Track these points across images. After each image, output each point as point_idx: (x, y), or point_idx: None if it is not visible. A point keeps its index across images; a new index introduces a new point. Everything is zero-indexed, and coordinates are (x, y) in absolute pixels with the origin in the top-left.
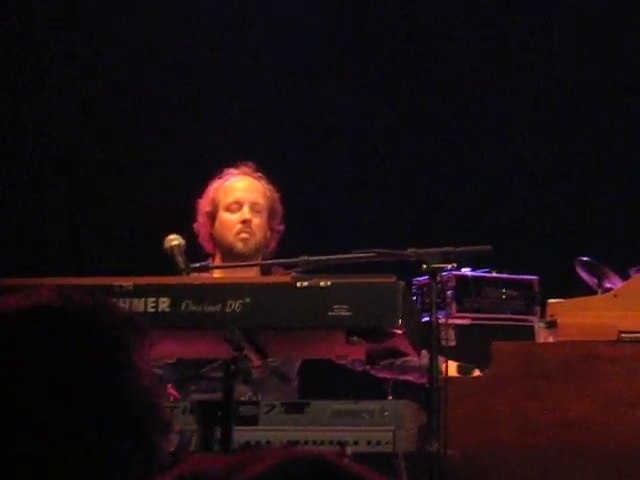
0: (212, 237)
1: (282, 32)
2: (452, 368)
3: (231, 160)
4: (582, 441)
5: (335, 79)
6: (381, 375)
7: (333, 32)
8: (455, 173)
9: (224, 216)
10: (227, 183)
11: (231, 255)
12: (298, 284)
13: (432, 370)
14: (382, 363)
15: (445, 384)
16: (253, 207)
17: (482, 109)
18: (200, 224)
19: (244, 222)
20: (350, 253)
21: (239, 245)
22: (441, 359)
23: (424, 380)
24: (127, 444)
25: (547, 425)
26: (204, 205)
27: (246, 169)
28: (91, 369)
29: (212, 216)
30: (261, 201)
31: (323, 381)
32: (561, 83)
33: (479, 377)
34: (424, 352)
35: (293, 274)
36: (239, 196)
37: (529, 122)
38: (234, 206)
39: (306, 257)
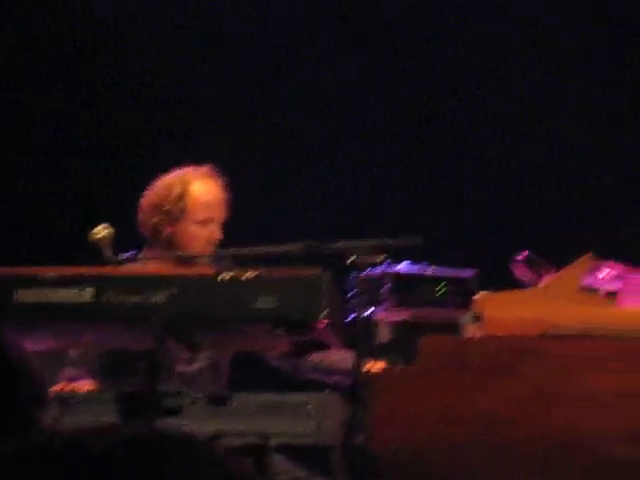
0: (162, 234)
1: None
2: (380, 366)
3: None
4: (506, 435)
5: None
6: (307, 376)
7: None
8: (390, 164)
9: (193, 229)
10: (200, 195)
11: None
12: (221, 276)
13: (356, 363)
14: (308, 365)
15: (370, 378)
16: (220, 222)
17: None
18: (148, 215)
19: (214, 241)
20: (277, 245)
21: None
22: (369, 358)
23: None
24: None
25: (470, 420)
26: (162, 201)
27: (216, 178)
28: None
29: (173, 217)
30: (225, 214)
31: (254, 374)
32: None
33: (404, 371)
34: (350, 353)
35: (216, 266)
36: (214, 214)
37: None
38: (206, 221)
39: (233, 249)
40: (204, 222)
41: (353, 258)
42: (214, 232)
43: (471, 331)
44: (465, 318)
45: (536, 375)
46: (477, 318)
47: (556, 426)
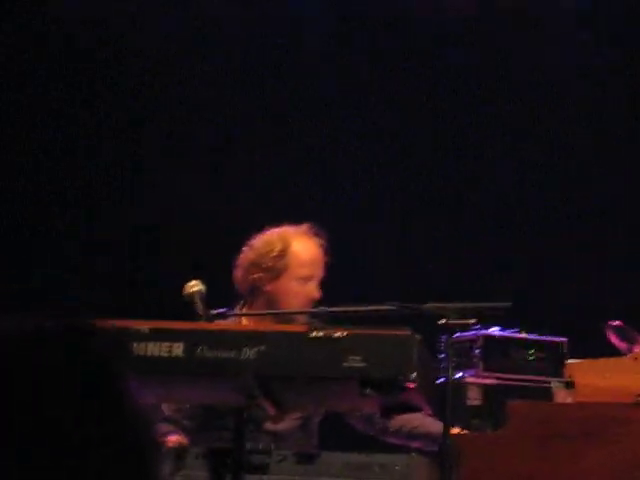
0: (262, 290)
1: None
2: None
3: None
4: None
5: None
6: (390, 440)
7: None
8: (482, 229)
9: (294, 285)
10: (301, 252)
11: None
12: (312, 334)
13: (445, 425)
14: (391, 429)
15: (458, 440)
16: (319, 280)
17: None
18: (247, 272)
19: (312, 299)
20: (369, 305)
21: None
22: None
23: (433, 447)
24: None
25: None
26: (263, 258)
27: (318, 237)
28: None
29: (274, 273)
30: (323, 273)
31: (343, 432)
32: None
33: (493, 435)
34: (434, 419)
35: (309, 324)
36: (314, 272)
37: (564, 181)
38: (307, 278)
39: (325, 308)
40: (304, 279)
41: (444, 320)
42: (313, 290)
43: (562, 397)
44: (556, 384)
45: (628, 442)
46: (569, 384)
47: None
